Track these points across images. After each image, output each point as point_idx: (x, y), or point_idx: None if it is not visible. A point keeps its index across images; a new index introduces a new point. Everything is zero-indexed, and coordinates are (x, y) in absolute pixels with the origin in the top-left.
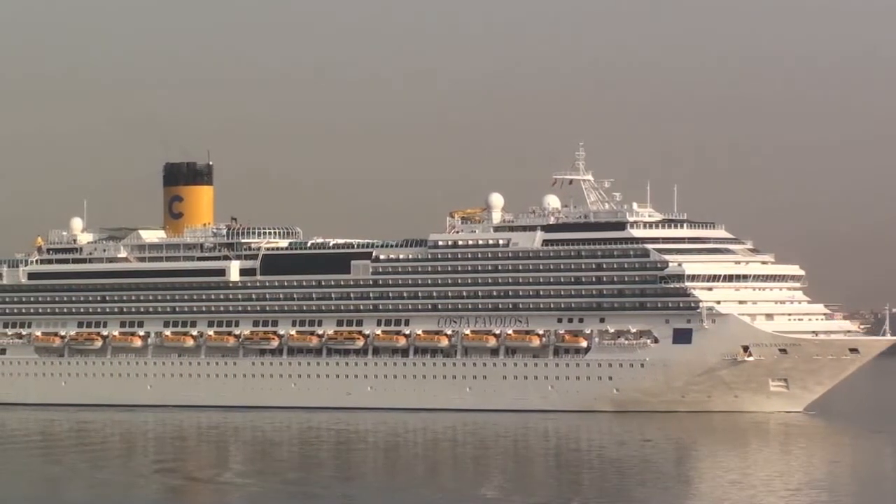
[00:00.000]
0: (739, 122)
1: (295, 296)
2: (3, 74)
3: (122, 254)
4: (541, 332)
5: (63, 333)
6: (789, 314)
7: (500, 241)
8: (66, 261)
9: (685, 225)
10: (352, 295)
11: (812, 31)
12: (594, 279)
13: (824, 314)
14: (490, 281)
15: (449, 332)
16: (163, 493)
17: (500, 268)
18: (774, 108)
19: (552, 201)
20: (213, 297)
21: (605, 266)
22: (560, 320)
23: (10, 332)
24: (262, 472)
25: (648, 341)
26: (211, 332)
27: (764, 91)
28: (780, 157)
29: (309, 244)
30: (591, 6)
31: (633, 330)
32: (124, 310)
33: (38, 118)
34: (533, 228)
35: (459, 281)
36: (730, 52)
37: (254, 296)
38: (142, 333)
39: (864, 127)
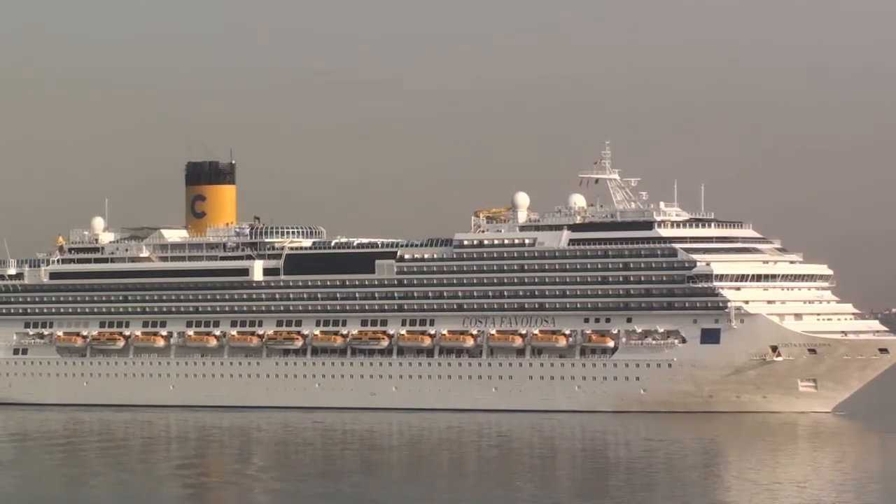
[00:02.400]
0: (766, 122)
1: (319, 295)
2: (27, 75)
3: (145, 253)
4: (567, 332)
5: (85, 333)
6: (818, 314)
7: (526, 241)
8: (87, 260)
9: (713, 224)
10: (376, 295)
11: (840, 33)
12: (621, 279)
13: (853, 314)
14: (516, 281)
15: (474, 332)
16: (185, 492)
17: (526, 267)
18: (801, 107)
19: (578, 200)
20: (236, 296)
21: (632, 265)
22: (587, 320)
23: (31, 331)
24: (285, 471)
25: (676, 341)
26: (234, 332)
27: (792, 91)
28: (807, 156)
29: (333, 244)
30: (616, 5)
31: (661, 330)
32: (147, 310)
33: (60, 118)
34: (559, 228)
35: (485, 281)
36: (757, 52)
37: (277, 295)
38: (164, 333)
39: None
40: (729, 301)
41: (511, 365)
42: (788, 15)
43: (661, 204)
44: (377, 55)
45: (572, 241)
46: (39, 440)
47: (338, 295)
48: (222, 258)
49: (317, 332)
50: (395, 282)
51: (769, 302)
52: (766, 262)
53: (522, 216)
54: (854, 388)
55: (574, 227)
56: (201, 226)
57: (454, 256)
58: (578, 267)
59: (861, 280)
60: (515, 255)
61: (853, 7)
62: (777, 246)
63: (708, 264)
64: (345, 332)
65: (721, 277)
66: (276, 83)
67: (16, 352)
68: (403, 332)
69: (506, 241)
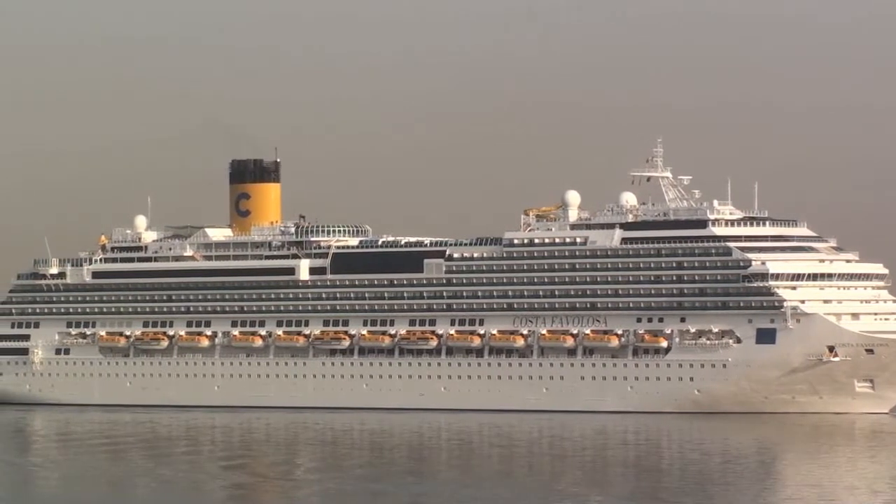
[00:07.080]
0: (818, 120)
1: (366, 295)
2: (67, 76)
3: (188, 252)
4: (619, 331)
5: (128, 333)
6: (875, 314)
7: (578, 240)
8: (130, 259)
9: (767, 223)
10: (425, 294)
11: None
12: (674, 278)
13: None
14: (567, 280)
15: (525, 332)
16: (230, 492)
17: (577, 266)
18: (857, 106)
19: (630, 199)
20: (282, 296)
21: (685, 265)
22: (639, 320)
23: (74, 331)
24: (333, 471)
25: (731, 341)
26: (280, 332)
27: (847, 90)
28: (860, 154)
29: (380, 242)
30: (667, 5)
31: (715, 330)
32: (191, 309)
33: (101, 116)
34: (611, 226)
35: (535, 280)
36: (808, 50)
37: (324, 295)
38: (209, 333)
39: None
40: (785, 301)
41: (562, 365)
42: (844, 17)
43: (715, 202)
44: (426, 51)
45: (624, 240)
46: (82, 441)
47: (385, 294)
48: (267, 257)
49: (364, 331)
50: (444, 281)
51: (825, 301)
52: (822, 260)
53: (573, 215)
54: None
55: (626, 226)
56: (246, 224)
57: (504, 255)
58: (631, 266)
59: None
60: (566, 253)
61: None
62: (833, 245)
63: (763, 263)
64: (393, 331)
65: (777, 277)
66: (321, 79)
67: (58, 352)
68: (452, 331)
69: (556, 240)
